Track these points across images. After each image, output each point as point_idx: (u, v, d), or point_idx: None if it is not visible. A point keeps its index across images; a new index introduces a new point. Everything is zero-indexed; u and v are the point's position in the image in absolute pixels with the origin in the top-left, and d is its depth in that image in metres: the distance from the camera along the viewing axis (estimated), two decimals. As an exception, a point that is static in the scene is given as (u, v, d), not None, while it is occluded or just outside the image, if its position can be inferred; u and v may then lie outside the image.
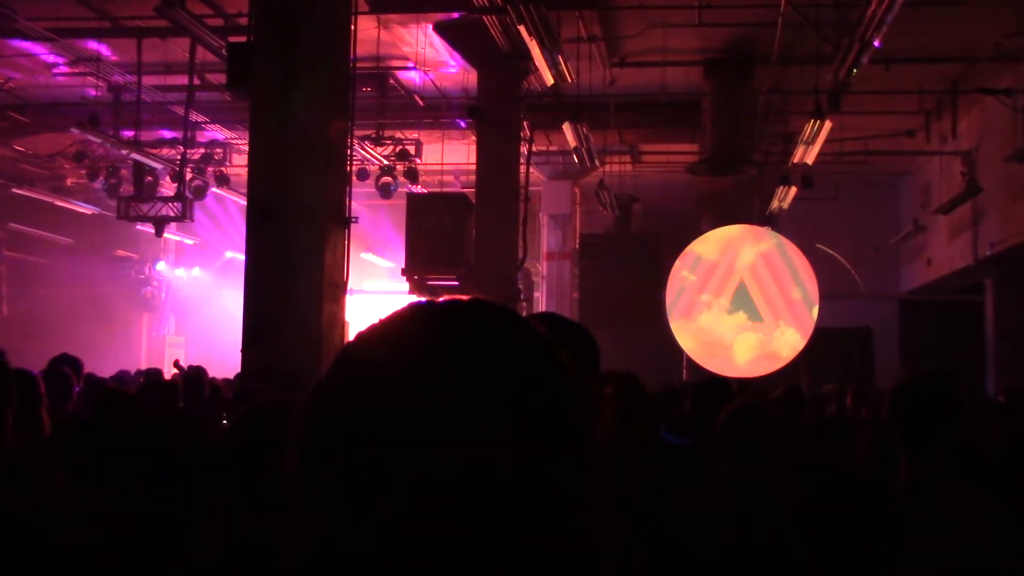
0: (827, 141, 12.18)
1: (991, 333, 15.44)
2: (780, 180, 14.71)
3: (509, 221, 12.81)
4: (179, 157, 14.40)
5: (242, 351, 7.17)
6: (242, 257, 7.67)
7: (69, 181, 19.47)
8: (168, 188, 16.12)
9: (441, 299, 0.81)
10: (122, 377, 9.77)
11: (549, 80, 10.46)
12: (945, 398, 2.79)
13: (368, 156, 15.10)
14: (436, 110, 15.31)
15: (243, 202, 9.08)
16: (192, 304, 22.73)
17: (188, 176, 14.98)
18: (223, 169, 16.70)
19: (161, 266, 22.55)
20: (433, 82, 14.49)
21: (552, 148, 16.21)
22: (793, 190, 14.64)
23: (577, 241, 19.54)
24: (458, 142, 16.28)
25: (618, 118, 14.46)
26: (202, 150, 16.29)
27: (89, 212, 18.39)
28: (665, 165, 17.67)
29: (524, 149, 13.32)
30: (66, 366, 5.86)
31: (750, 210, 15.05)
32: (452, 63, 14.10)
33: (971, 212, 14.96)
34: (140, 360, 21.06)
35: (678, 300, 14.26)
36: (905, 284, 19.59)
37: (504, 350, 0.77)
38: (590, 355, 1.96)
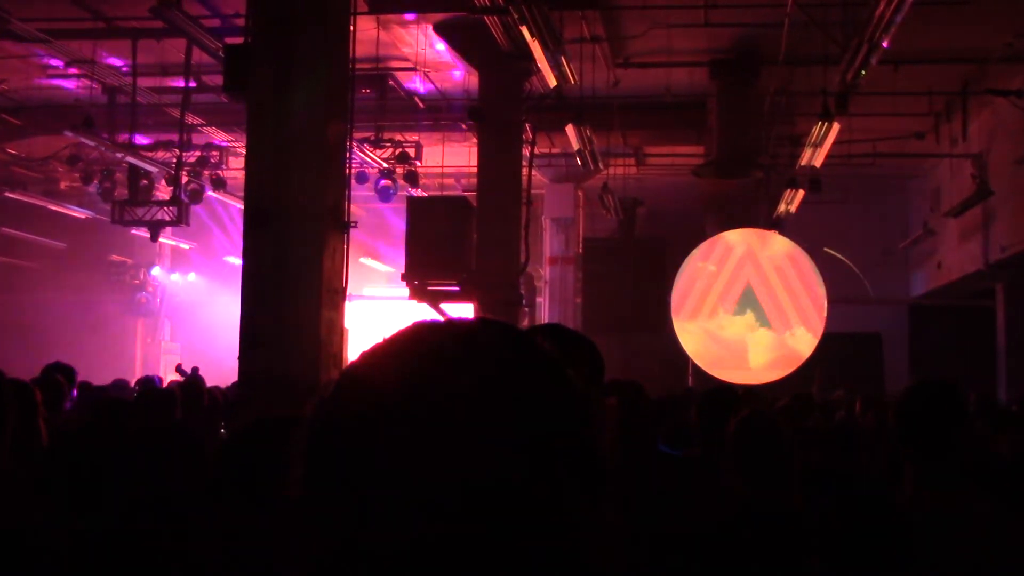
0: (835, 143, 12.11)
1: (1002, 339, 15.35)
2: (787, 183, 14.63)
3: (511, 225, 12.77)
4: (175, 160, 14.37)
5: (239, 358, 7.12)
6: (239, 262, 7.66)
7: (63, 185, 19.48)
8: (164, 192, 16.14)
9: (445, 319, 0.81)
10: (120, 385, 9.74)
11: (552, 81, 10.39)
12: (950, 407, 2.79)
13: (367, 159, 15.05)
14: (436, 112, 15.35)
15: (240, 206, 9.00)
16: (188, 310, 22.70)
17: (184, 179, 14.99)
18: (220, 172, 16.72)
19: (156, 271, 22.54)
20: (434, 83, 14.38)
21: (555, 150, 16.17)
22: (800, 193, 14.59)
23: (580, 245, 19.51)
24: (459, 144, 16.26)
25: (622, 120, 14.43)
26: (198, 153, 16.26)
27: (83, 216, 18.35)
28: (670, 168, 17.60)
29: (526, 151, 13.28)
30: (59, 374, 5.88)
31: (757, 214, 14.94)
32: (453, 64, 14.06)
33: (982, 215, 14.90)
34: (135, 367, 20.98)
35: (688, 299, 14.02)
36: (915, 289, 19.57)
37: (511, 371, 0.77)
38: (594, 368, 1.99)
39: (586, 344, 2.00)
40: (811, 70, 11.67)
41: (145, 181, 15.08)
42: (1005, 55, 12.61)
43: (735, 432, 3.24)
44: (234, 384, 7.81)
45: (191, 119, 14.70)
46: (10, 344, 17.01)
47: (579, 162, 13.87)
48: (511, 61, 11.41)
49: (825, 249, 16.59)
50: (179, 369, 9.39)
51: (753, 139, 14.00)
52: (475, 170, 13.53)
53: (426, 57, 13.64)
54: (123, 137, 14.55)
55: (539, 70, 10.37)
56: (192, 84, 13.26)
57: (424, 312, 12.62)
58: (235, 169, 16.25)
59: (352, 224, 7.71)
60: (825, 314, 13.74)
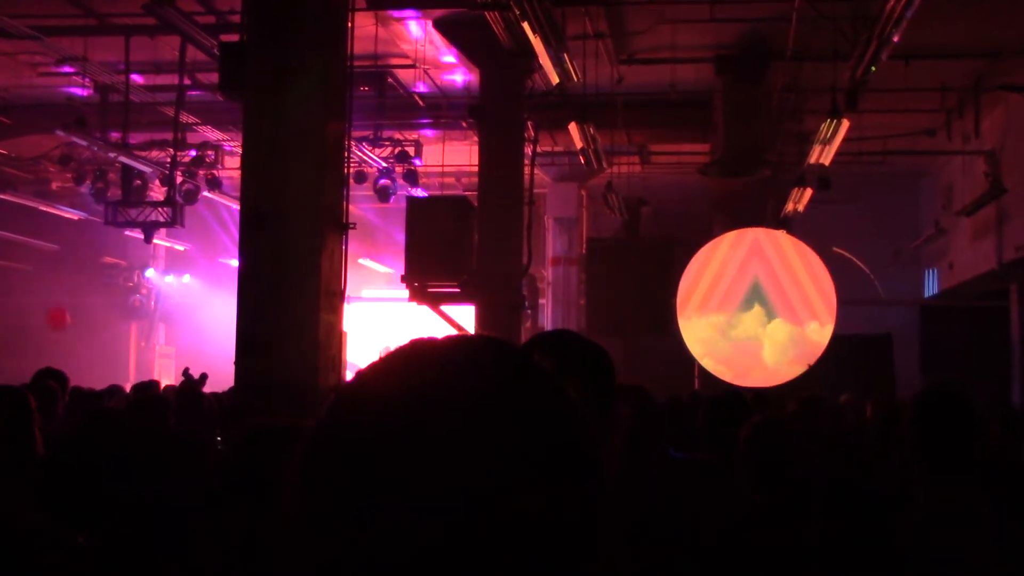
0: (844, 141, 12.09)
1: (1016, 340, 15.25)
2: (795, 181, 14.59)
3: (513, 225, 12.80)
4: (169, 160, 14.28)
5: (235, 362, 7.19)
6: (235, 264, 7.57)
7: (54, 185, 19.51)
8: (158, 192, 16.07)
9: (443, 337, 0.82)
10: (115, 391, 9.67)
11: (554, 78, 10.37)
12: (960, 411, 2.81)
13: (366, 158, 15.02)
14: (436, 110, 15.38)
15: (236, 206, 8.94)
16: (183, 313, 22.73)
17: (179, 180, 14.98)
18: (215, 172, 16.73)
19: (150, 273, 22.54)
20: (434, 81, 14.29)
21: (557, 149, 16.19)
22: (809, 191, 14.54)
23: (584, 245, 19.59)
24: (459, 143, 16.27)
25: (626, 117, 14.34)
26: (193, 152, 16.14)
27: (75, 217, 18.35)
28: (675, 166, 17.60)
29: (528, 150, 13.33)
30: (51, 380, 5.89)
31: (764, 212, 14.87)
32: (454, 61, 14.06)
33: (995, 214, 14.84)
34: (129, 371, 20.87)
35: (693, 296, 13.77)
36: (926, 289, 19.55)
37: (510, 393, 0.77)
38: (604, 378, 1.97)
39: (596, 352, 2.00)
40: (820, 66, 11.70)
41: (139, 181, 15.11)
42: (1019, 50, 12.55)
43: (747, 438, 3.26)
44: (231, 389, 7.81)
45: (186, 118, 14.78)
46: (1, 348, 16.88)
47: (582, 161, 13.84)
48: (513, 58, 11.38)
49: (834, 249, 16.54)
50: (186, 373, 9.27)
51: (760, 137, 13.95)
52: (476, 169, 13.58)
53: (426, 54, 13.57)
54: (116, 136, 14.52)
55: (541, 67, 10.37)
56: (186, 82, 13.16)
57: (423, 312, 12.51)
58: (231, 169, 16.19)
59: (351, 225, 7.75)
60: (835, 304, 13.55)
